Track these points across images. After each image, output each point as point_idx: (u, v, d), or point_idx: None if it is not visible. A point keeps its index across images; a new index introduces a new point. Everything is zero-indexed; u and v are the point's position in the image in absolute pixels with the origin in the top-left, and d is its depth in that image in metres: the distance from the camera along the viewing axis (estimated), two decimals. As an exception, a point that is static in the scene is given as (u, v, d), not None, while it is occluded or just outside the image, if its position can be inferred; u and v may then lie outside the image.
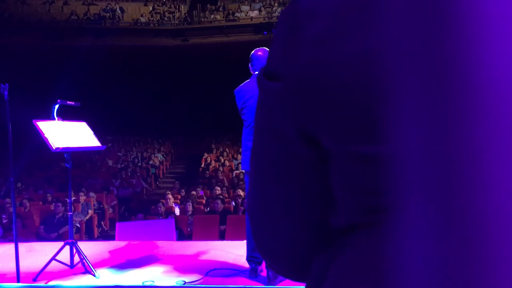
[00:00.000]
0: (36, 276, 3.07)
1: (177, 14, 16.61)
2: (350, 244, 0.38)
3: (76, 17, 15.61)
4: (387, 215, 0.30)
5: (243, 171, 3.16)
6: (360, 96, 0.33)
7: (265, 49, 2.91)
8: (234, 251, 3.69)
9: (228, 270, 3.23)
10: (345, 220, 0.38)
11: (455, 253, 0.23)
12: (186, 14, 16.82)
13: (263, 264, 2.86)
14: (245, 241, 3.05)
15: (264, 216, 0.45)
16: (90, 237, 7.41)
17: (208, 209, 7.36)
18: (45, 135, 3.01)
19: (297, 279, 0.47)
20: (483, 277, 0.23)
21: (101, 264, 3.53)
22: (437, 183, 0.24)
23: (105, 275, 3.23)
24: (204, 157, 13.27)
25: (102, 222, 8.29)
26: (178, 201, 8.25)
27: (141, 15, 16.31)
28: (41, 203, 8.49)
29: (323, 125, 0.37)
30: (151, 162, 13.33)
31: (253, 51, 2.92)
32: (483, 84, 0.23)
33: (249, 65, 2.94)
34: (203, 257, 3.64)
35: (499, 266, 0.22)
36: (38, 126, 3.04)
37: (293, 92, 0.38)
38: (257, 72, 2.84)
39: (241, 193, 7.53)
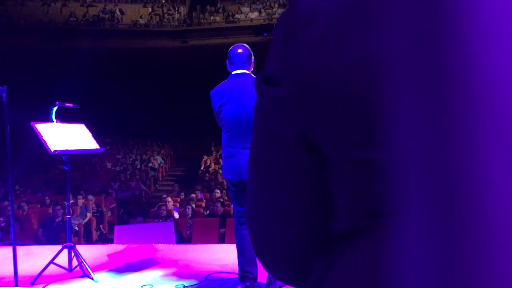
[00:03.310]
0: (34, 279, 3.05)
1: (176, 16, 16.63)
2: (350, 249, 0.38)
3: (75, 19, 15.62)
4: (387, 219, 0.30)
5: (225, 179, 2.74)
6: (360, 101, 0.33)
7: (245, 45, 2.67)
8: (234, 255, 3.66)
9: (228, 274, 3.21)
10: (345, 225, 0.39)
11: (456, 257, 0.23)
12: (186, 16, 16.85)
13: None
14: None
15: (264, 222, 0.45)
16: (89, 241, 7.39)
17: (208, 212, 7.34)
18: (43, 138, 2.99)
19: (297, 284, 0.47)
20: (484, 281, 0.22)
21: (99, 267, 3.51)
22: (437, 188, 0.24)
23: (104, 278, 3.20)
24: (203, 159, 13.27)
25: (100, 225, 8.27)
26: (178, 204, 8.23)
27: (140, 17, 16.32)
28: (39, 206, 8.48)
29: (322, 131, 0.36)
30: (150, 164, 13.32)
31: (231, 48, 2.66)
32: (484, 91, 0.23)
33: (227, 63, 2.66)
34: (203, 261, 3.61)
35: (501, 271, 0.22)
36: (36, 128, 3.02)
37: (292, 98, 0.37)
38: (236, 72, 2.61)
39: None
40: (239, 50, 2.63)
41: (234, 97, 2.56)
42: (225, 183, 10.17)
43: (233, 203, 2.79)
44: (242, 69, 2.62)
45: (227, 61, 2.67)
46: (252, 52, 2.67)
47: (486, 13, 0.23)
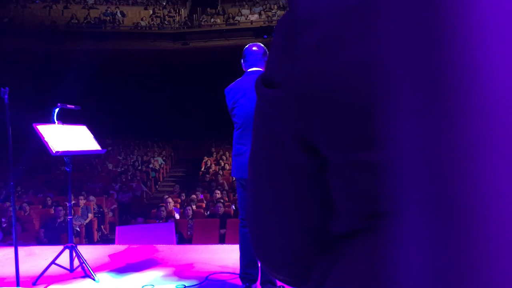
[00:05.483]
0: (36, 280, 3.07)
1: (177, 18, 16.65)
2: (350, 250, 0.38)
3: (76, 21, 15.65)
4: (386, 220, 0.29)
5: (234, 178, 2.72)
6: (358, 104, 0.33)
7: (259, 44, 2.70)
8: (234, 255, 3.68)
9: (228, 274, 3.23)
10: (345, 226, 0.38)
11: (454, 257, 0.23)
12: (186, 18, 16.87)
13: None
14: None
15: (263, 223, 0.45)
16: (90, 241, 7.40)
17: (208, 212, 7.35)
18: (45, 139, 3.01)
19: (297, 286, 0.47)
20: (483, 281, 0.22)
21: (101, 268, 3.53)
22: (435, 189, 0.24)
23: (105, 279, 3.22)
24: (204, 160, 13.27)
25: (102, 226, 8.28)
26: (178, 205, 8.24)
27: (141, 19, 16.35)
28: (40, 206, 8.48)
29: (321, 133, 0.37)
30: (151, 165, 13.32)
31: (246, 46, 2.69)
32: (483, 92, 0.23)
33: (242, 61, 2.68)
34: (203, 261, 3.63)
35: (500, 271, 0.22)
36: (38, 130, 3.04)
37: (291, 100, 0.38)
38: (251, 69, 2.63)
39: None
40: (254, 48, 2.64)
41: (247, 93, 2.56)
42: (225, 184, 10.17)
43: (239, 204, 2.78)
44: (257, 66, 2.62)
45: (241, 60, 2.68)
46: (267, 50, 2.65)
47: (486, 16, 0.23)
